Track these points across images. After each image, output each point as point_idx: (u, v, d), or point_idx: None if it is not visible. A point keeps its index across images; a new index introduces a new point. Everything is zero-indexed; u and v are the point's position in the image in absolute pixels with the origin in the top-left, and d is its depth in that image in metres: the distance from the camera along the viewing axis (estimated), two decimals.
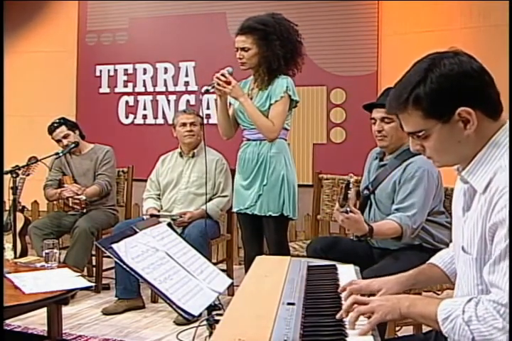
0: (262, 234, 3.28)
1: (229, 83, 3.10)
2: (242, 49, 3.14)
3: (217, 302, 1.86)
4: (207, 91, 3.16)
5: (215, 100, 4.48)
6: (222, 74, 3.11)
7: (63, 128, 4.19)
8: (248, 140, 3.26)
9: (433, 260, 1.74)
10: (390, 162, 2.72)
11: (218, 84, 3.10)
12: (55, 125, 4.19)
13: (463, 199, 1.46)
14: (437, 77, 1.34)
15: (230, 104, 3.31)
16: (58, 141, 4.20)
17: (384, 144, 2.70)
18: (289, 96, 3.14)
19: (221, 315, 1.67)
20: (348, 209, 2.22)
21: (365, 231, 2.37)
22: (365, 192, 2.76)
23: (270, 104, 3.13)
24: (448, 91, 1.34)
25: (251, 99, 3.19)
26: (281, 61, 3.14)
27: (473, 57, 1.39)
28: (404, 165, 2.63)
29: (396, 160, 2.68)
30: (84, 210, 4.10)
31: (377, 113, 2.67)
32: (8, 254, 3.74)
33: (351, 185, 2.12)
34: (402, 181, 2.61)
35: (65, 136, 4.18)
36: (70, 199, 4.08)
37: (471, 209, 1.40)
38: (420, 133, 1.39)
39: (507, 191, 1.27)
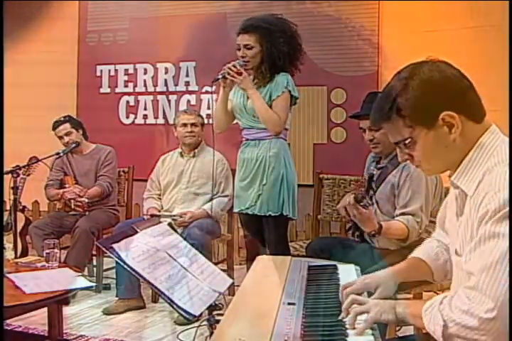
0: (263, 234, 3.28)
1: (240, 74, 3.12)
2: (245, 46, 3.15)
3: (218, 302, 1.86)
4: (216, 80, 3.17)
5: (216, 101, 4.48)
6: (234, 65, 3.12)
7: (67, 125, 4.20)
8: (247, 140, 3.27)
9: (419, 254, 1.72)
10: (386, 165, 2.73)
11: (229, 74, 3.12)
12: (60, 121, 4.21)
13: (455, 204, 1.47)
14: (418, 84, 1.36)
15: (228, 99, 3.31)
16: (60, 138, 4.21)
17: (378, 151, 2.73)
18: (289, 91, 3.15)
19: (222, 314, 1.67)
20: (368, 203, 2.18)
21: (375, 228, 2.38)
22: (370, 192, 2.77)
23: (271, 100, 3.14)
24: (430, 97, 1.36)
25: (247, 98, 3.20)
26: (286, 58, 3.16)
27: (450, 64, 1.41)
28: (400, 166, 2.64)
29: (392, 162, 2.69)
30: (87, 213, 4.10)
31: (365, 122, 2.67)
32: (9, 254, 3.74)
33: (375, 178, 2.08)
34: (401, 184, 2.62)
35: (67, 134, 4.19)
36: (72, 201, 4.07)
37: (463, 214, 1.41)
38: (407, 142, 1.40)
39: (492, 189, 1.28)
